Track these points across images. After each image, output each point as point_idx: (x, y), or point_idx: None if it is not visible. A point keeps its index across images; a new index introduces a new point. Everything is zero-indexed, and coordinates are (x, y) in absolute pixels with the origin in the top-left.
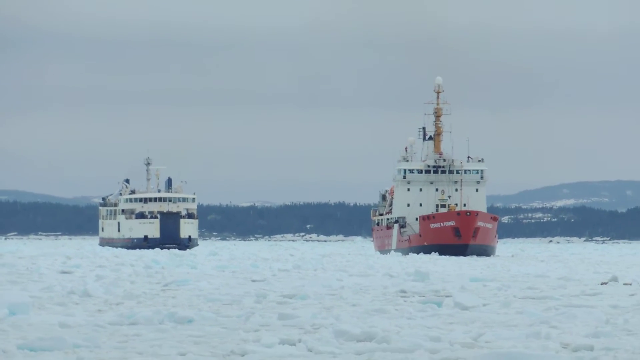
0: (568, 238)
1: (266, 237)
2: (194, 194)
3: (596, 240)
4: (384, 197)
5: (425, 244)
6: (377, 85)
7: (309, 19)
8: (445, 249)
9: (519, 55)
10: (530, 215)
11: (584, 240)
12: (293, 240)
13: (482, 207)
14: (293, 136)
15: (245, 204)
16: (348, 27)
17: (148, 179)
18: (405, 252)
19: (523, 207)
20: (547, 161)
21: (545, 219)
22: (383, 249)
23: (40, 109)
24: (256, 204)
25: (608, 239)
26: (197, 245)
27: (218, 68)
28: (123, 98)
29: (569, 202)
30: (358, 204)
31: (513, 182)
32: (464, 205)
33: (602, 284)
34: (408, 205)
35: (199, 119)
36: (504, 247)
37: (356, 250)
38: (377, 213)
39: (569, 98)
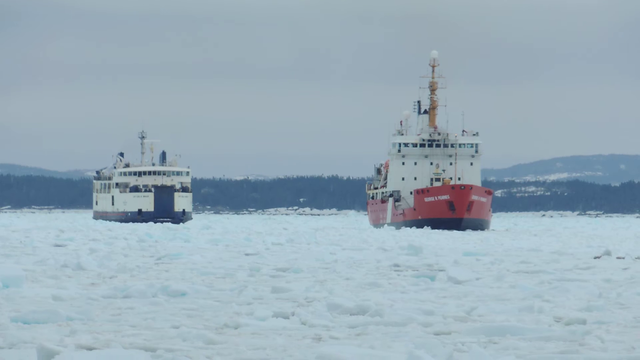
0: (561, 212)
1: (259, 210)
2: (188, 167)
3: (589, 214)
4: (378, 171)
5: (419, 217)
6: (373, 60)
7: None
8: (440, 223)
9: (514, 29)
10: (523, 189)
11: (577, 214)
12: (286, 214)
13: (476, 181)
14: (288, 110)
15: (238, 178)
16: (345, 1)
17: (142, 153)
18: (400, 226)
19: (516, 181)
20: (541, 135)
21: (539, 193)
22: (378, 223)
23: (34, 83)
24: (249, 178)
25: (601, 212)
26: (191, 219)
27: (214, 41)
28: (118, 71)
29: (563, 175)
30: (351, 178)
31: (506, 156)
32: (459, 179)
33: (595, 257)
34: (403, 179)
35: (193, 93)
36: (498, 221)
37: (349, 224)
38: (372, 187)
39: (563, 72)
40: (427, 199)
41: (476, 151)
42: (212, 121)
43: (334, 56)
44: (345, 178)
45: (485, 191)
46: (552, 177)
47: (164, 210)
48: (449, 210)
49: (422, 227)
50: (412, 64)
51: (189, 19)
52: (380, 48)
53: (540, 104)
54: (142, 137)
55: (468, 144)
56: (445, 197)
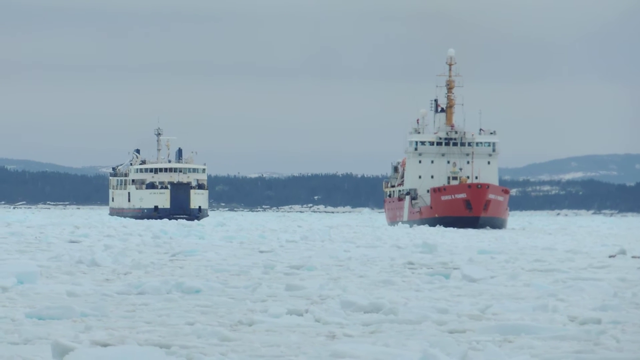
0: (576, 211)
1: (274, 208)
2: (205, 164)
3: (604, 213)
4: (395, 169)
5: (436, 216)
6: (389, 58)
7: None
8: (456, 222)
9: (531, 27)
10: (538, 188)
11: (592, 213)
12: (301, 212)
13: (493, 180)
14: (304, 108)
15: (253, 175)
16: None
17: (159, 149)
18: (416, 224)
19: (531, 180)
20: (556, 134)
21: (554, 192)
22: (394, 221)
23: (49, 80)
24: (264, 175)
25: (616, 212)
26: (207, 215)
27: (230, 39)
28: (133, 68)
29: (577, 175)
30: (366, 176)
31: (521, 155)
32: (476, 177)
33: (610, 256)
34: (419, 177)
35: (208, 90)
36: (512, 220)
37: (364, 222)
38: (389, 185)
39: (579, 70)
40: (443, 198)
41: (493, 150)
42: (228, 119)
43: (350, 54)
44: (359, 176)
45: (502, 190)
46: (567, 177)
47: (180, 207)
48: (466, 208)
49: (438, 226)
50: (429, 62)
51: (205, 17)
52: (397, 46)
53: (555, 103)
54: (158, 134)
55: (485, 142)
56: (462, 195)
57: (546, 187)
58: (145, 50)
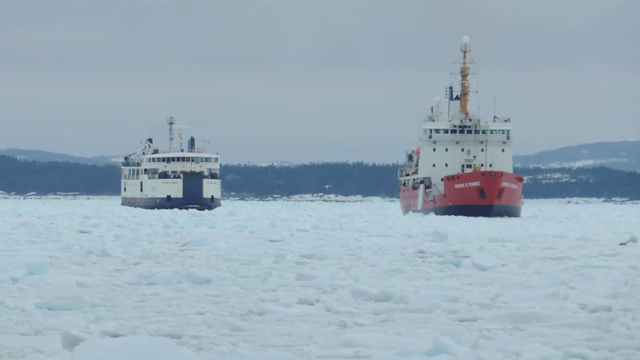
0: (587, 199)
1: (284, 197)
2: (217, 153)
3: (615, 201)
4: (410, 158)
5: (449, 204)
6: (403, 45)
7: None
8: (470, 210)
9: (544, 14)
10: (549, 175)
11: (603, 201)
12: (311, 201)
13: (507, 168)
14: (315, 97)
15: (263, 164)
16: None
17: (171, 139)
18: (430, 212)
19: (542, 167)
20: (566, 121)
21: (564, 180)
22: (409, 210)
23: (60, 71)
24: (274, 164)
25: (627, 199)
26: (220, 205)
27: (242, 29)
28: (144, 58)
29: (588, 162)
30: (377, 164)
31: (532, 143)
32: (490, 165)
33: (620, 244)
34: (434, 165)
35: (220, 79)
36: (523, 208)
37: (375, 211)
38: (403, 173)
39: (589, 57)
40: (457, 186)
41: (507, 137)
42: (239, 107)
43: (363, 43)
44: (370, 164)
45: (516, 178)
46: (578, 164)
47: (192, 197)
48: (479, 196)
49: (452, 214)
50: (444, 50)
51: (217, 7)
52: (411, 33)
53: (565, 90)
54: (171, 123)
55: (499, 130)
56: (476, 183)
57: (557, 175)
58: (155, 40)
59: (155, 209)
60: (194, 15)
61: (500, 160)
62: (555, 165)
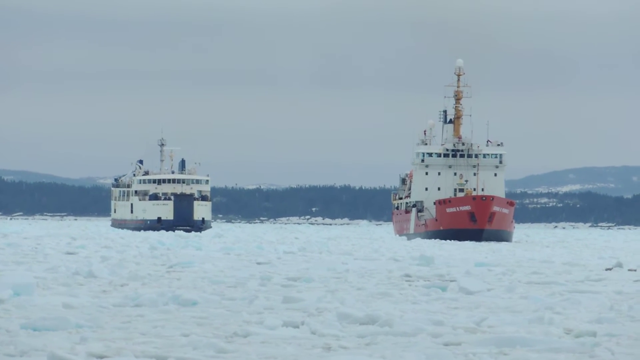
0: (573, 223)
1: (271, 219)
2: (208, 175)
3: (601, 226)
4: (403, 181)
5: (441, 228)
6: (397, 68)
7: (331, 0)
8: (461, 234)
9: (535, 39)
10: (535, 200)
11: (590, 226)
12: (298, 223)
13: (500, 192)
14: (308, 118)
15: (251, 187)
16: (368, 8)
17: (162, 160)
18: (422, 236)
19: (529, 192)
20: (553, 146)
21: (551, 204)
22: (402, 233)
23: (47, 90)
24: (262, 187)
25: (613, 224)
26: (210, 227)
27: (233, 48)
28: (134, 78)
29: (575, 187)
30: (364, 187)
31: (519, 167)
32: (482, 189)
33: (606, 269)
34: (426, 189)
35: (209, 100)
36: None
37: (362, 234)
38: (397, 197)
39: (576, 83)
40: (448, 210)
41: (500, 162)
42: (229, 128)
43: (356, 64)
44: (357, 188)
45: (508, 202)
46: (565, 189)
47: (183, 219)
48: (470, 221)
49: (443, 238)
50: (437, 73)
51: (207, 26)
52: (405, 56)
53: (552, 115)
54: (162, 145)
55: (492, 154)
56: (467, 207)
57: (544, 200)
58: (144, 60)
59: (146, 231)
60: (184, 35)
61: (492, 185)
62: (542, 189)
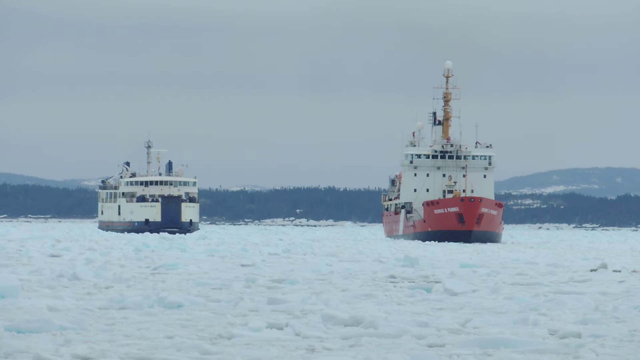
0: (557, 225)
1: (256, 221)
2: (195, 177)
3: (585, 227)
4: (393, 182)
5: (429, 229)
6: (385, 70)
7: (317, 2)
8: (449, 235)
9: (522, 42)
10: (520, 201)
11: (574, 227)
12: (283, 225)
13: (489, 194)
14: (295, 121)
15: (235, 188)
16: (356, 11)
17: (149, 162)
18: (411, 237)
19: (513, 193)
20: (537, 148)
21: (535, 206)
22: (392, 235)
23: (33, 91)
24: (246, 189)
25: (597, 225)
26: (198, 229)
27: (220, 52)
28: (119, 80)
29: (559, 188)
30: (348, 189)
31: (503, 169)
32: (471, 191)
33: (591, 270)
34: (415, 190)
35: (196, 103)
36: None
37: (346, 236)
38: (387, 198)
39: (561, 85)
40: (436, 211)
41: (489, 163)
42: (216, 131)
43: (344, 67)
44: (342, 189)
45: (496, 204)
46: (549, 190)
47: (171, 221)
48: (459, 222)
49: (432, 240)
50: (426, 75)
51: (194, 30)
52: (393, 58)
53: (536, 117)
54: (148, 147)
55: (481, 155)
56: (455, 209)
57: (528, 201)
58: (131, 63)
59: (133, 233)
60: (171, 39)
61: (481, 186)
62: (527, 191)
